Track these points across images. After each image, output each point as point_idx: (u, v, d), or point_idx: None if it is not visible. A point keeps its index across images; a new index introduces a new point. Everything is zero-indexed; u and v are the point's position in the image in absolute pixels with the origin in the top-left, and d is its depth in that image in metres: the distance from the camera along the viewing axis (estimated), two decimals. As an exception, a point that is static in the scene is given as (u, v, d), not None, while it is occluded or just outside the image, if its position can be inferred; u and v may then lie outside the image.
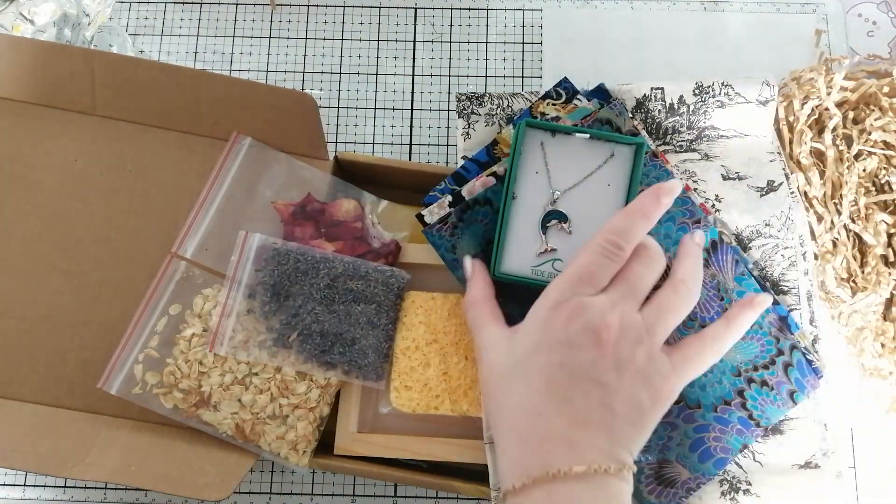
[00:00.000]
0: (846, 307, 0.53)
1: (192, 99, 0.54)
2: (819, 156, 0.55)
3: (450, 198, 0.50)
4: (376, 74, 0.64)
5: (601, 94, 0.52)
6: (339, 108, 0.63)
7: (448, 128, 0.62)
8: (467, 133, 0.52)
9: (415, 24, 0.65)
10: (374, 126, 0.63)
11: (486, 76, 0.63)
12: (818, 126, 0.56)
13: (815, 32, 0.63)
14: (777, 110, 0.55)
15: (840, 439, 0.48)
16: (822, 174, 0.54)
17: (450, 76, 0.63)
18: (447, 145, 0.62)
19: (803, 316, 0.49)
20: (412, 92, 0.63)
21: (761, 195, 0.51)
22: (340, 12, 0.65)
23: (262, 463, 0.56)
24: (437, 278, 0.51)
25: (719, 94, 0.52)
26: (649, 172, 0.49)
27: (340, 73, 0.64)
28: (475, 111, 0.53)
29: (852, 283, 0.53)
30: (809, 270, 0.50)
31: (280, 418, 0.49)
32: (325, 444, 0.50)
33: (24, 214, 0.54)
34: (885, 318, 0.53)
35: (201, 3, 0.65)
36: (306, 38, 0.65)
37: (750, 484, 0.47)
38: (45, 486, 0.56)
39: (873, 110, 0.55)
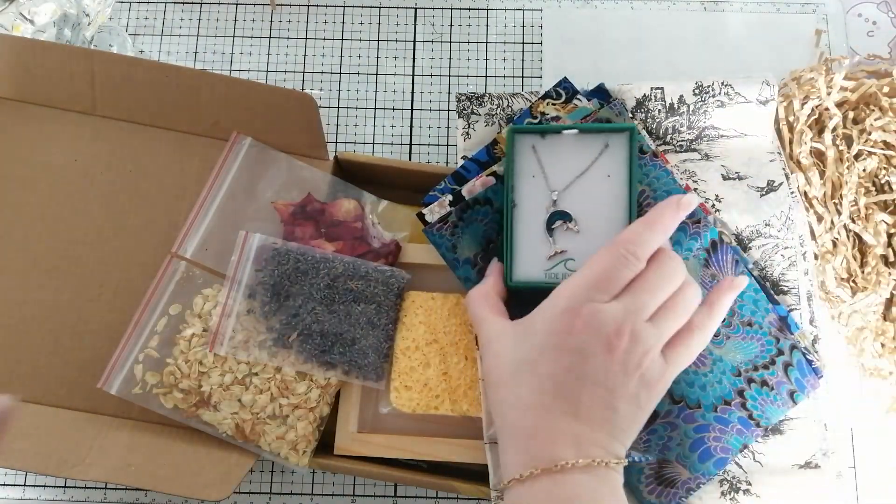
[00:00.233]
0: (846, 307, 0.53)
1: (192, 99, 0.54)
2: (819, 156, 0.55)
3: (450, 197, 0.50)
4: (376, 74, 0.64)
5: (601, 94, 0.52)
6: (339, 108, 0.63)
7: (448, 128, 0.62)
8: (467, 133, 0.52)
9: (415, 24, 0.65)
10: (374, 126, 0.63)
11: (486, 76, 0.63)
12: (818, 126, 0.56)
13: (815, 32, 0.63)
14: (777, 110, 0.55)
15: (840, 439, 0.48)
16: (822, 174, 0.54)
17: (450, 76, 0.63)
18: (447, 145, 0.62)
19: (803, 316, 0.49)
20: (412, 92, 0.63)
21: (761, 195, 0.51)
22: (340, 12, 0.65)
23: (262, 463, 0.56)
24: (437, 278, 0.51)
25: (719, 93, 0.51)
26: (649, 172, 0.49)
27: (340, 73, 0.64)
28: (475, 111, 0.52)
29: (852, 283, 0.53)
30: (809, 270, 0.50)
31: (280, 418, 0.49)
32: (325, 444, 0.50)
33: (24, 214, 0.54)
34: (885, 318, 0.53)
35: (201, 3, 0.65)
36: (306, 38, 0.64)
37: (750, 484, 0.47)
38: (45, 486, 0.56)
39: (873, 110, 0.55)
